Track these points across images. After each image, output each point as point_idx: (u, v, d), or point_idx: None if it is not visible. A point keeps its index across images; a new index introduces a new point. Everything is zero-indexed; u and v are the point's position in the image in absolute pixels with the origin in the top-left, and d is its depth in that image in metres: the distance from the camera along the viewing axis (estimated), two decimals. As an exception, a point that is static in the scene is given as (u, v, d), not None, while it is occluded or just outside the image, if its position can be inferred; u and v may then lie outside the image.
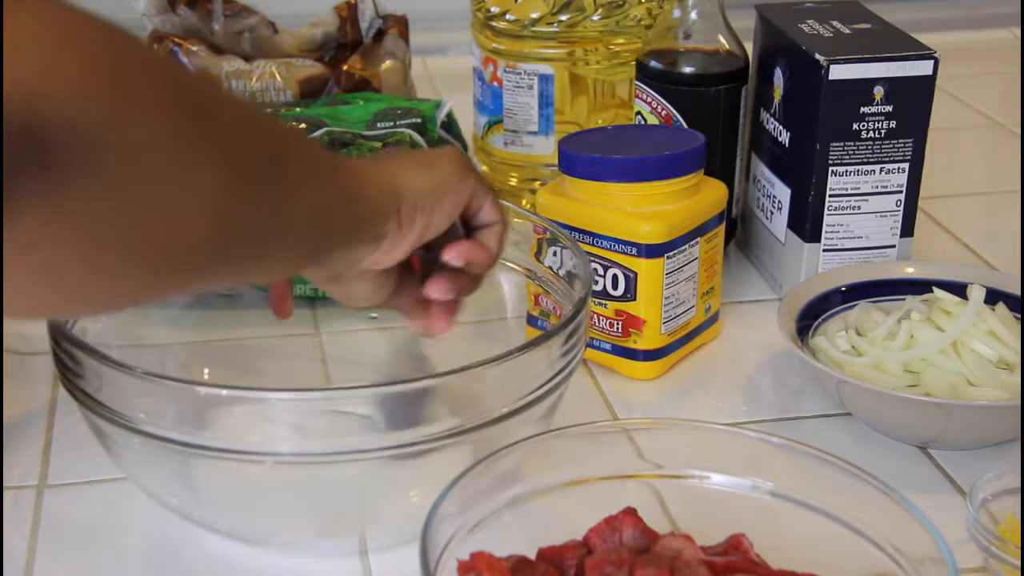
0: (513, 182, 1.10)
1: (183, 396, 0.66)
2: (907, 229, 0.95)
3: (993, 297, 0.85)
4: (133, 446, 0.68)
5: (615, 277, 0.85)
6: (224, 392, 0.65)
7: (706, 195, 0.88)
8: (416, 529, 0.58)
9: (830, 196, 0.93)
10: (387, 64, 1.11)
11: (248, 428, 0.65)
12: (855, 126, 0.91)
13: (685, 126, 0.96)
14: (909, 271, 0.91)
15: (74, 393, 0.68)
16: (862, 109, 0.91)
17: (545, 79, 1.05)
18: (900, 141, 0.92)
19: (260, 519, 0.70)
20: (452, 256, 0.68)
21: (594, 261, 0.85)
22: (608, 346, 0.88)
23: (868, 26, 0.96)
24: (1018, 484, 0.70)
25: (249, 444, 0.65)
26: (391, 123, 1.00)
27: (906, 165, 0.93)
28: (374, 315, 0.90)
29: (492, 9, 1.06)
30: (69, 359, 0.67)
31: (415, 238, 0.64)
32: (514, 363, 0.67)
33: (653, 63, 0.97)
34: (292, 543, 0.72)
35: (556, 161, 0.89)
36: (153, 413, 0.65)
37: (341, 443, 0.65)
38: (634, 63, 1.00)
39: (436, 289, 0.69)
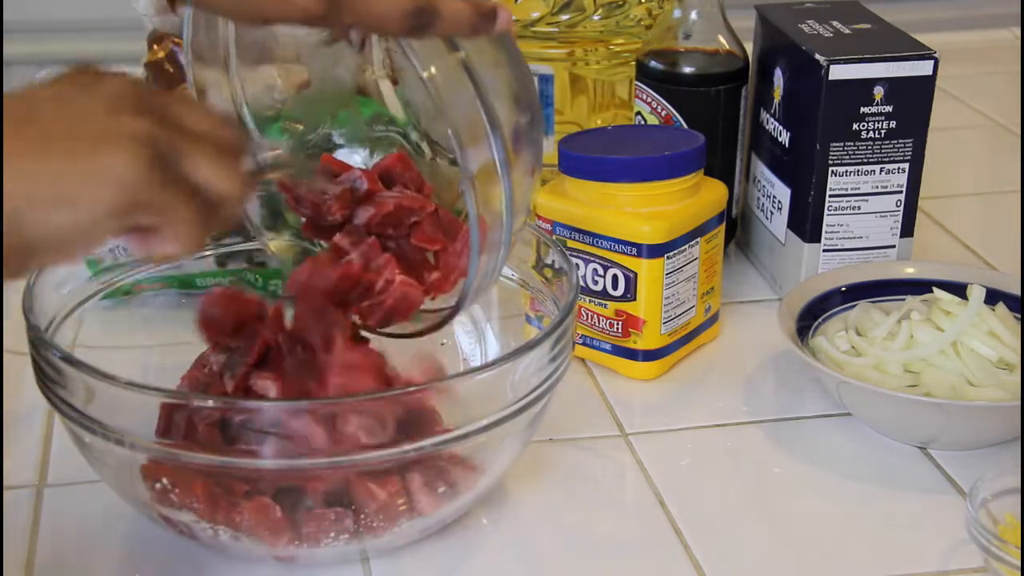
0: (513, 182, 1.10)
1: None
2: (907, 229, 0.95)
3: (993, 297, 0.85)
4: (117, 457, 0.67)
5: (615, 277, 0.85)
6: (210, 403, 0.64)
7: (706, 195, 0.88)
8: (412, 536, 0.57)
9: (830, 196, 0.93)
10: (386, 66, 1.11)
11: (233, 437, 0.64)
12: (855, 126, 0.91)
13: (685, 126, 0.96)
14: (909, 271, 0.91)
15: (54, 402, 0.67)
16: (862, 109, 0.91)
17: (545, 79, 1.05)
18: (900, 141, 0.92)
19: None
20: None
21: (594, 261, 0.85)
22: (608, 346, 0.88)
23: (868, 26, 0.96)
24: (1018, 484, 0.70)
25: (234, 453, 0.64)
26: (383, 127, 0.99)
27: (906, 165, 0.93)
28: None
29: (492, 9, 1.06)
30: (49, 367, 0.66)
31: None
32: (499, 371, 0.66)
33: (653, 63, 0.97)
34: (285, 555, 0.70)
35: (556, 161, 0.89)
36: (135, 423, 0.64)
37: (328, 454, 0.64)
38: (634, 63, 1.00)
39: None
